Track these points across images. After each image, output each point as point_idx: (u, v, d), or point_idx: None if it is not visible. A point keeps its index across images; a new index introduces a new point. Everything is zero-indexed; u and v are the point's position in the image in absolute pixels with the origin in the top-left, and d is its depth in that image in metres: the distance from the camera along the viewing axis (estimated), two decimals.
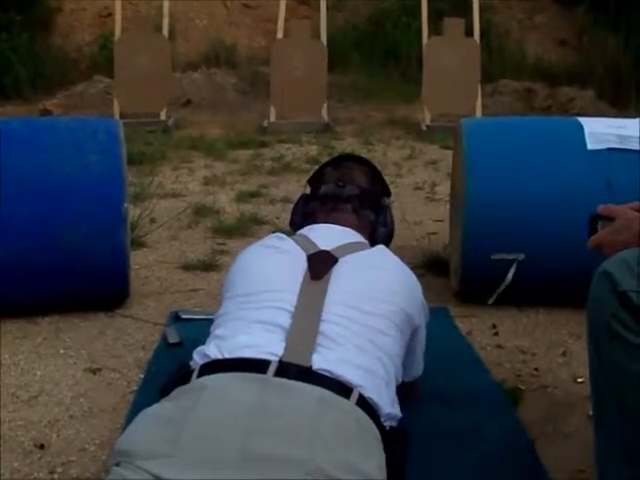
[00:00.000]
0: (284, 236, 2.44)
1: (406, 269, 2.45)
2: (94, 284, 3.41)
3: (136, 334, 3.34)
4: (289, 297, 2.12)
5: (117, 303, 3.57)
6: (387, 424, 2.02)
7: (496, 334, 3.34)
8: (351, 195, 2.62)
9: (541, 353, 3.18)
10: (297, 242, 2.37)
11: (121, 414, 2.68)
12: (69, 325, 3.40)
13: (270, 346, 1.98)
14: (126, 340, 3.28)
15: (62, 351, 3.18)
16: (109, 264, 3.39)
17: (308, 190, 2.77)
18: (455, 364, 3.02)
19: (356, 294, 2.19)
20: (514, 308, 3.56)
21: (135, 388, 2.87)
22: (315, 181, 2.76)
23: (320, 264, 2.24)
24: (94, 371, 3.01)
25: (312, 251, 2.30)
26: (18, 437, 2.57)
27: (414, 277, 2.46)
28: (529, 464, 2.41)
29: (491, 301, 3.50)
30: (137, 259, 4.08)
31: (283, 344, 1.99)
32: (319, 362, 1.96)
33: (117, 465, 1.73)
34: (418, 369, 2.53)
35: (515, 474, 2.37)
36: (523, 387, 2.90)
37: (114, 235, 3.36)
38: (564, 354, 3.17)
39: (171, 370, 2.14)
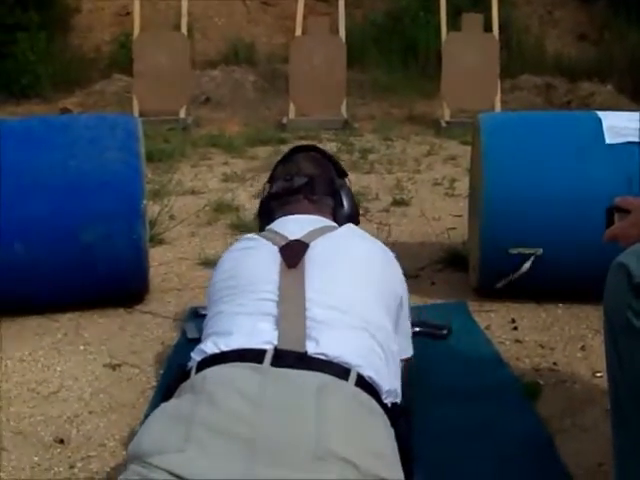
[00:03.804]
0: (253, 236, 2.47)
1: (376, 242, 2.47)
2: (113, 281, 3.43)
3: (155, 330, 3.35)
4: (271, 287, 2.14)
5: (136, 299, 3.59)
6: (388, 401, 2.02)
7: (515, 329, 3.33)
8: (300, 185, 2.62)
9: (560, 348, 3.17)
10: (267, 238, 2.39)
11: (140, 410, 2.70)
12: (89, 321, 3.42)
13: (264, 335, 1.99)
14: (145, 336, 3.30)
15: (82, 347, 3.20)
16: (128, 261, 3.41)
17: (266, 192, 2.78)
18: (474, 359, 3.02)
19: (334, 274, 2.21)
20: (533, 303, 3.55)
21: (154, 384, 2.89)
22: (270, 182, 2.78)
23: (293, 252, 2.26)
24: (114, 367, 3.03)
25: (282, 243, 2.32)
26: (38, 432, 2.60)
27: (389, 251, 2.47)
28: (548, 458, 2.41)
29: (499, 285, 3.48)
30: (156, 256, 4.10)
31: (276, 332, 2.00)
32: (313, 347, 1.96)
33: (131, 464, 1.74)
34: (407, 349, 2.49)
35: (534, 468, 2.37)
36: (542, 382, 2.89)
37: (133, 232, 3.37)
38: (583, 348, 3.16)
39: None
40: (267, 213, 2.69)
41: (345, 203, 2.70)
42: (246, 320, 2.08)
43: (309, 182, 2.63)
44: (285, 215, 2.56)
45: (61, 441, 2.54)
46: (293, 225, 2.45)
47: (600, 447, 2.39)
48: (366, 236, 2.47)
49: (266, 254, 2.29)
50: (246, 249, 2.40)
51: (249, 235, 2.50)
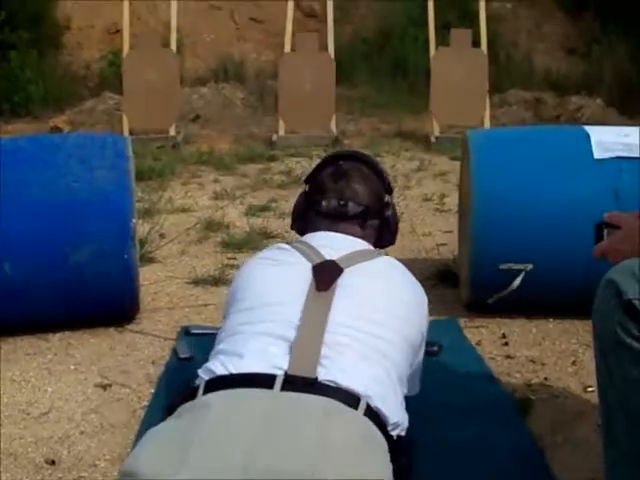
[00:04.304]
0: (286, 246, 2.43)
1: (412, 279, 2.45)
2: (104, 300, 3.42)
3: (146, 349, 3.35)
4: (294, 309, 2.12)
5: (127, 319, 3.58)
6: (394, 433, 2.02)
7: (506, 344, 3.34)
8: (355, 213, 2.54)
9: (551, 363, 3.18)
10: (301, 251, 2.36)
11: (132, 430, 2.69)
12: (79, 341, 3.41)
13: (275, 360, 1.98)
14: (136, 355, 3.29)
15: (72, 367, 3.19)
16: (118, 280, 3.40)
17: (307, 188, 2.69)
18: (465, 375, 3.02)
19: (362, 304, 2.19)
20: (523, 318, 3.56)
21: (146, 403, 2.88)
22: (313, 189, 2.64)
23: (326, 275, 2.23)
24: (104, 387, 3.02)
25: (317, 261, 2.29)
26: (29, 453, 2.59)
27: (420, 287, 2.46)
28: (539, 473, 2.41)
29: (491, 301, 3.49)
30: (147, 274, 4.09)
31: (288, 357, 1.99)
32: (325, 373, 1.96)
33: None
34: (414, 387, 2.48)
35: None
36: (533, 397, 2.89)
37: (123, 251, 3.36)
38: (574, 363, 3.16)
39: (179, 387, 2.15)
40: (309, 222, 2.60)
41: (391, 225, 2.66)
42: (259, 342, 2.07)
43: (364, 211, 2.55)
44: (329, 230, 2.51)
45: (52, 462, 2.53)
46: (332, 243, 2.41)
47: (591, 462, 2.40)
48: (401, 270, 2.45)
49: (297, 271, 2.26)
50: (276, 260, 2.37)
51: (282, 245, 2.47)
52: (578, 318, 3.44)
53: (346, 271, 2.26)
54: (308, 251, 2.35)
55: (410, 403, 2.43)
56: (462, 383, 2.96)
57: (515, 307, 3.53)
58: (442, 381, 2.96)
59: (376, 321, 2.17)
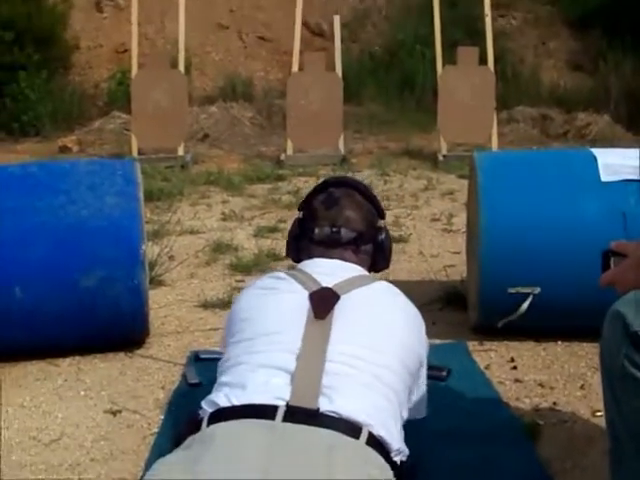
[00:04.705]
0: (282, 274, 2.45)
1: (409, 303, 2.47)
2: (114, 325, 3.44)
3: (156, 374, 3.36)
4: (293, 339, 2.15)
5: (137, 343, 3.60)
6: (397, 459, 2.03)
7: (514, 368, 3.34)
8: (349, 240, 2.55)
9: (560, 387, 3.18)
10: (297, 279, 2.38)
11: (142, 456, 2.70)
12: (89, 366, 3.43)
13: (277, 391, 2.01)
14: (146, 381, 3.30)
15: (82, 393, 3.20)
16: (128, 305, 3.42)
17: (301, 215, 2.69)
18: (474, 400, 3.03)
19: (360, 331, 2.22)
20: (532, 341, 3.56)
21: (156, 430, 2.89)
22: (307, 217, 2.65)
23: (323, 303, 2.25)
24: (114, 413, 3.03)
25: (314, 288, 2.31)
26: None
27: (417, 311, 2.48)
28: None
29: (500, 324, 3.50)
30: (156, 298, 4.10)
31: (289, 388, 2.01)
32: (326, 404, 1.98)
33: None
34: (420, 411, 2.50)
35: None
36: (542, 422, 2.89)
37: (133, 277, 3.39)
38: (582, 387, 3.16)
39: (187, 414, 2.16)
40: (303, 249, 2.62)
41: (385, 250, 2.68)
42: (261, 374, 2.09)
43: (357, 237, 2.57)
44: (323, 257, 2.52)
45: None
46: (328, 270, 2.43)
47: None
48: (398, 295, 2.47)
49: (295, 300, 2.28)
50: (273, 289, 2.38)
51: (278, 273, 2.49)
52: (586, 340, 3.45)
53: (343, 297, 2.29)
54: (304, 279, 2.37)
55: (419, 427, 2.45)
56: (471, 408, 2.97)
57: (524, 330, 3.53)
58: (451, 406, 2.97)
59: (374, 347, 2.20)
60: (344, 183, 2.72)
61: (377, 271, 2.70)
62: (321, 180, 2.83)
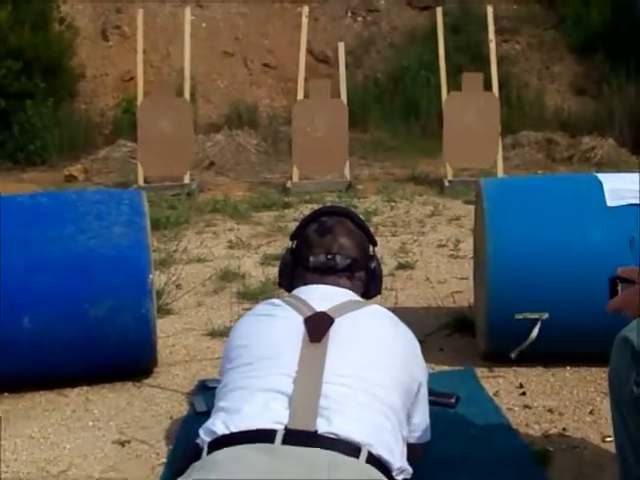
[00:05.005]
0: (278, 301, 2.47)
1: (401, 324, 2.48)
2: (122, 355, 3.44)
3: (164, 404, 3.35)
4: (289, 362, 2.16)
5: (145, 373, 3.59)
6: (400, 478, 2.03)
7: (523, 394, 3.33)
8: (343, 267, 2.58)
9: (569, 412, 3.17)
10: (292, 305, 2.40)
11: None
12: (97, 396, 3.42)
13: (275, 415, 2.02)
14: (154, 410, 3.30)
15: (91, 423, 3.20)
16: (136, 335, 3.42)
17: (294, 245, 2.72)
18: (483, 427, 3.02)
19: (355, 352, 2.23)
20: (541, 366, 3.55)
21: (164, 460, 2.88)
22: (300, 245, 2.68)
23: (317, 326, 2.27)
24: (123, 443, 3.02)
25: (308, 313, 2.33)
26: None
27: (410, 332, 2.49)
28: None
29: (513, 355, 3.49)
30: (164, 327, 4.11)
31: (287, 411, 2.02)
32: (324, 425, 1.99)
33: None
34: (426, 434, 2.49)
35: None
36: (552, 448, 2.88)
37: (140, 306, 3.39)
38: (592, 412, 3.15)
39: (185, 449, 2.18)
40: (297, 277, 2.64)
41: (377, 276, 2.71)
42: (259, 398, 2.10)
43: (352, 264, 2.60)
44: (318, 283, 2.55)
45: None
46: (322, 295, 2.45)
47: None
48: (391, 318, 2.48)
49: (290, 325, 2.30)
50: (269, 316, 2.40)
51: (274, 300, 2.51)
52: (595, 365, 3.44)
53: (337, 320, 2.31)
54: (299, 304, 2.40)
55: (428, 454, 2.45)
56: (480, 435, 2.96)
57: (532, 356, 3.52)
58: (460, 433, 2.96)
59: (370, 367, 2.21)
60: (336, 212, 2.76)
61: (369, 297, 2.71)
62: (312, 211, 2.84)
